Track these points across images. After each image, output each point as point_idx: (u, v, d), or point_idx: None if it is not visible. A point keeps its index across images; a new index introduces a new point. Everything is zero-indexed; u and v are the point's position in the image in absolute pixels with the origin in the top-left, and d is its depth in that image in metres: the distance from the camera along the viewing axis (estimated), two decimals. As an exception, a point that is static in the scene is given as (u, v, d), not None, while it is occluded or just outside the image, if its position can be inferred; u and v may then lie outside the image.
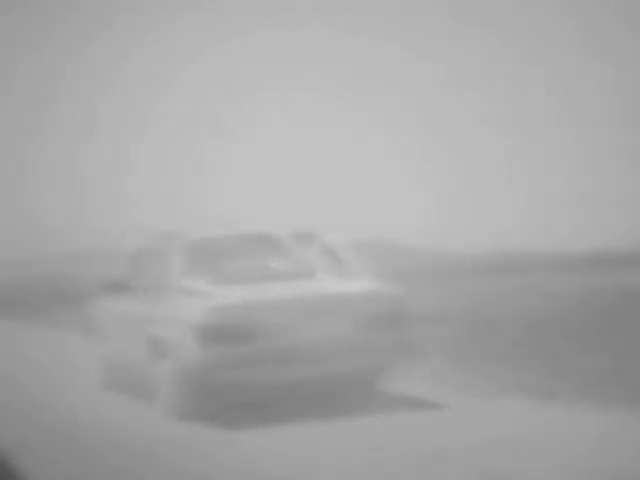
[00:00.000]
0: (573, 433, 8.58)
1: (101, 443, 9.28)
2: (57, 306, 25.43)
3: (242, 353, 9.65)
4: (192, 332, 9.73)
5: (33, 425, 10.25)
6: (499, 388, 10.78)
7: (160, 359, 10.36)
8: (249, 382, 9.92)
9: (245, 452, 8.66)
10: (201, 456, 8.61)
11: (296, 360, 9.81)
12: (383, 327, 10.04)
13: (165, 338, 10.28)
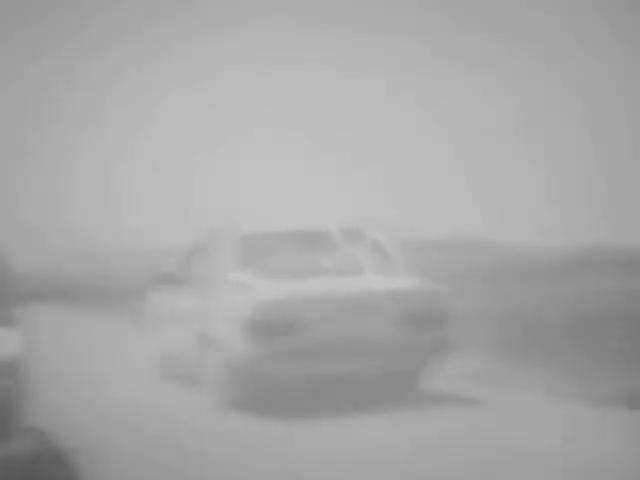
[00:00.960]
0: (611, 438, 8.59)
1: (151, 429, 9.56)
2: (120, 298, 25.74)
3: (285, 346, 9.86)
4: (238, 325, 9.95)
5: (95, 412, 10.55)
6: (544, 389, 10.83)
7: (208, 351, 10.61)
8: (292, 375, 10.12)
9: (285, 443, 8.86)
10: (244, 445, 8.82)
11: (337, 355, 9.99)
12: (424, 325, 10.16)
13: (213, 331, 10.52)
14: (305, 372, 10.08)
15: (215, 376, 10.52)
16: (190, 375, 11.35)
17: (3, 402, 6.91)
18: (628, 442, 8.28)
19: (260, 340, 9.84)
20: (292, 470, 7.91)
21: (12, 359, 6.98)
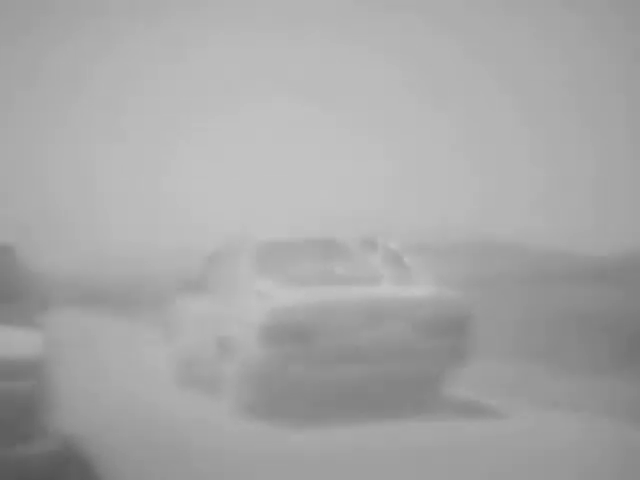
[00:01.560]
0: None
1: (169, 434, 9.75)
2: (145, 302, 25.65)
3: (301, 353, 10.05)
4: (255, 332, 10.17)
5: (117, 416, 10.73)
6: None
7: (226, 357, 10.83)
8: (308, 381, 10.31)
9: (300, 447, 9.02)
10: (260, 449, 9.00)
11: (352, 362, 10.17)
12: (440, 333, 10.33)
13: (232, 337, 10.74)
14: (321, 378, 10.27)
15: (232, 381, 10.72)
16: (209, 380, 11.56)
17: (25, 403, 6.92)
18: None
19: (275, 346, 10.05)
20: (307, 474, 8.04)
21: (34, 360, 6.99)
